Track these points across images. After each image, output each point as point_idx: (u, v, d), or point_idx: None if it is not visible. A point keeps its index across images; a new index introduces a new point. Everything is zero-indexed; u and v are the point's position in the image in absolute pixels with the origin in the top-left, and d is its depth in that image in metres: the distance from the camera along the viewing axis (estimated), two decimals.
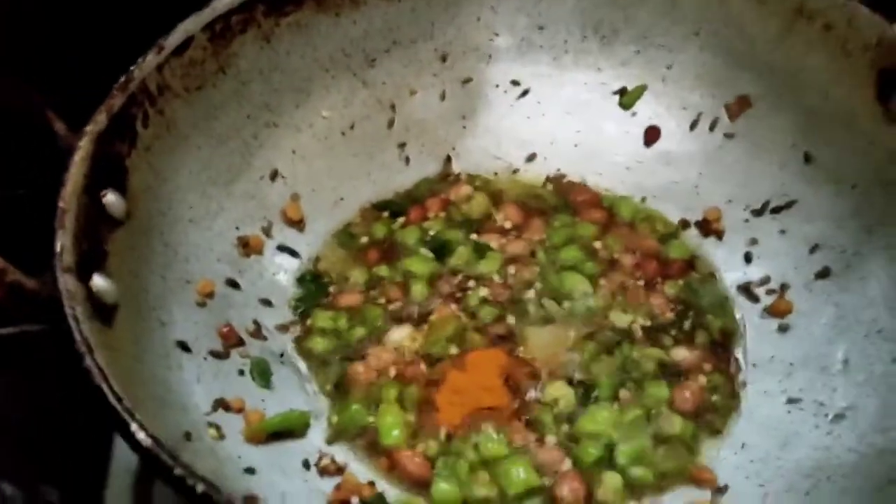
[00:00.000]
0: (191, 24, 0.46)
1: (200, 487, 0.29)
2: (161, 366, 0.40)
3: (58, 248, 0.35)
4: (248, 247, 0.48)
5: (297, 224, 0.51)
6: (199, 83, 0.47)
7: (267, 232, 0.50)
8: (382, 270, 0.50)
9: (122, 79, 0.43)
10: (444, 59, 0.55)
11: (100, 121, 0.41)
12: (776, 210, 0.51)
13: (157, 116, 0.45)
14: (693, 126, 0.54)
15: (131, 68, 0.43)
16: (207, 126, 0.48)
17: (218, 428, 0.40)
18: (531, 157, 0.55)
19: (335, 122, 0.53)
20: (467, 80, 0.56)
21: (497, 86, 0.56)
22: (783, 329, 0.48)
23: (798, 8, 0.49)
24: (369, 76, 0.54)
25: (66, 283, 0.34)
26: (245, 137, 0.50)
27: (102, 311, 0.37)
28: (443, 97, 0.55)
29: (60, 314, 0.34)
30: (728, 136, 0.53)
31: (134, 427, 0.31)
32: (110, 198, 0.40)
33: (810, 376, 0.46)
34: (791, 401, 0.45)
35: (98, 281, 0.37)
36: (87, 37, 0.54)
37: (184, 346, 0.42)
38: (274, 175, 0.51)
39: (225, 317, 0.45)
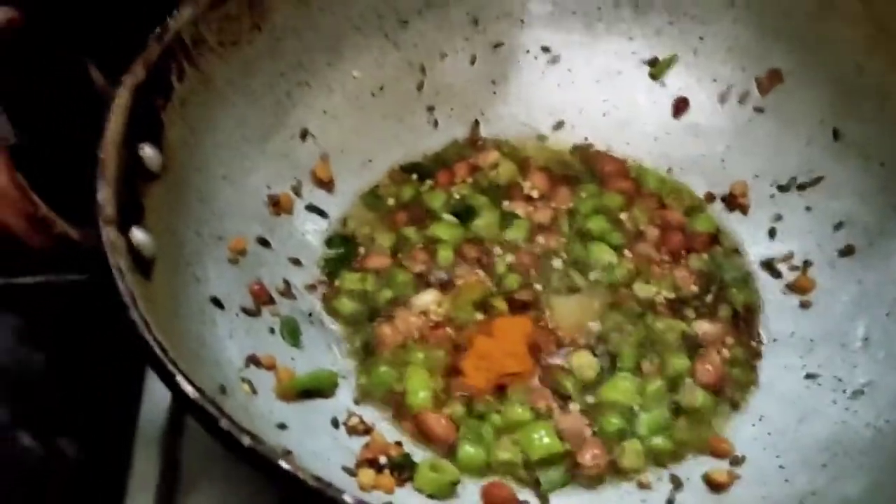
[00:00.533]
0: None
1: (246, 441, 0.30)
2: (196, 321, 0.40)
3: (99, 200, 0.36)
4: (278, 205, 0.49)
5: (326, 184, 0.51)
6: (234, 38, 0.47)
7: (297, 191, 0.50)
8: (409, 233, 0.50)
9: (158, 30, 0.43)
10: (475, 22, 0.55)
11: (137, 72, 0.41)
12: (802, 186, 0.51)
13: (192, 70, 0.44)
14: (723, 99, 0.54)
15: (167, 19, 0.43)
16: (242, 83, 0.47)
17: (250, 383, 0.40)
18: (559, 125, 0.55)
19: (366, 83, 0.53)
20: (498, 45, 0.55)
21: (528, 51, 0.56)
22: (805, 305, 0.49)
23: None
24: (401, 38, 0.53)
25: (109, 234, 0.35)
26: (278, 95, 0.50)
27: (142, 264, 0.37)
28: (473, 61, 0.55)
29: (102, 265, 0.34)
30: (757, 110, 0.53)
31: (179, 378, 0.31)
32: (147, 151, 0.40)
33: (830, 352, 0.46)
34: (810, 376, 0.46)
35: (137, 234, 0.37)
36: None
37: (217, 302, 0.42)
38: (304, 134, 0.51)
39: (256, 274, 0.45)
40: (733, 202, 0.52)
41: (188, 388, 0.31)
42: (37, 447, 0.92)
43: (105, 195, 0.36)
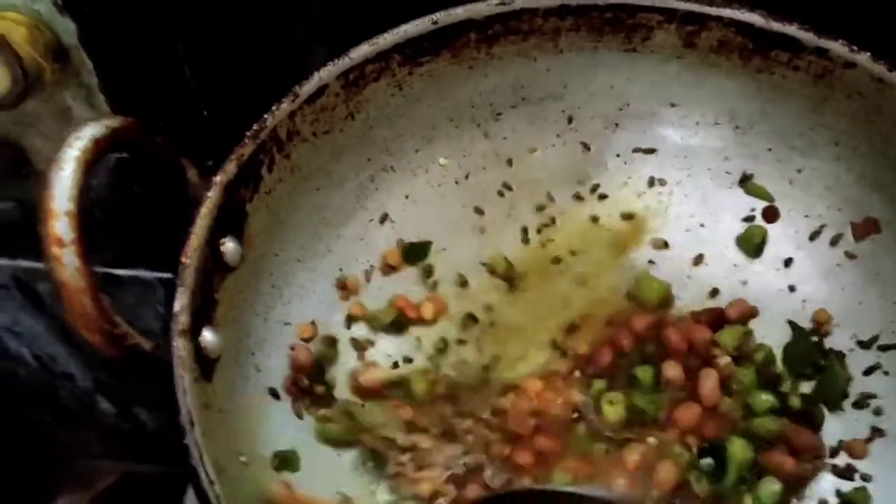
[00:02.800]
0: (326, 73, 0.46)
1: None
2: (252, 416, 0.42)
3: (176, 308, 0.38)
4: (345, 289, 0.50)
5: (395, 269, 0.52)
6: (327, 128, 0.48)
7: (367, 275, 0.51)
8: None
9: (255, 127, 0.44)
10: (570, 120, 0.54)
11: (229, 170, 0.42)
12: (884, 348, 0.49)
13: (282, 161, 0.46)
14: (813, 237, 0.52)
15: (264, 116, 0.45)
16: (328, 168, 0.49)
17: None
18: None
19: (451, 171, 0.54)
20: (588, 146, 0.55)
21: (618, 155, 0.55)
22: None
23: None
24: (492, 129, 0.54)
25: (179, 347, 0.37)
26: (362, 180, 0.51)
27: (206, 367, 0.39)
28: (562, 158, 0.55)
29: (170, 375, 0.36)
30: (849, 255, 0.51)
31: None
32: (229, 245, 0.42)
33: None
34: None
35: (206, 335, 0.39)
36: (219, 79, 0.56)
37: (274, 394, 0.44)
38: (384, 219, 0.52)
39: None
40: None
41: None
42: (113, 413, 0.98)
43: (182, 303, 0.38)
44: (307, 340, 0.47)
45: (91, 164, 0.35)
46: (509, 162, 0.55)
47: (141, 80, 0.59)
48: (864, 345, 0.50)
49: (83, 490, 0.99)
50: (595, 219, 0.55)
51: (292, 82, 0.46)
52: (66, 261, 0.33)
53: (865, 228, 0.51)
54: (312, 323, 0.48)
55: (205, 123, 0.60)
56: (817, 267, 0.52)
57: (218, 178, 0.42)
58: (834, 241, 0.52)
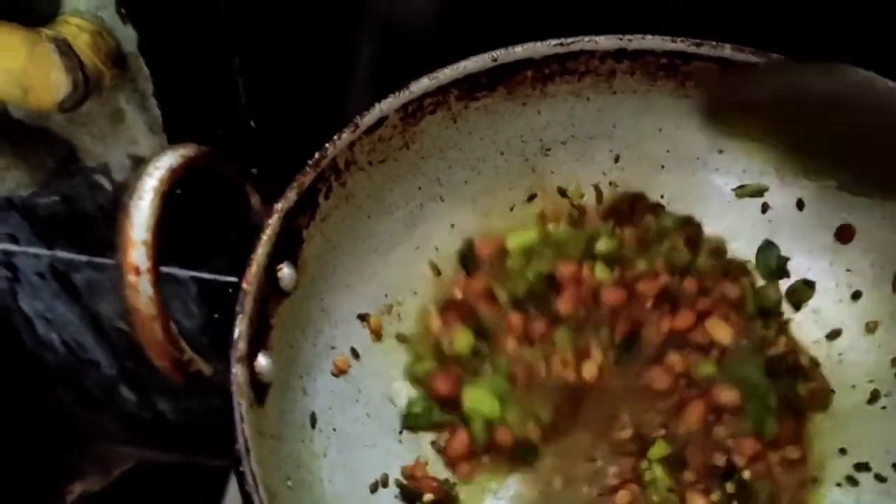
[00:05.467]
0: (386, 105, 0.47)
1: None
2: (297, 440, 0.43)
3: (235, 335, 0.39)
4: (390, 314, 0.51)
5: None
6: (382, 157, 0.49)
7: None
8: None
9: (316, 156, 0.45)
10: (616, 159, 0.55)
11: (289, 198, 0.44)
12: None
13: (339, 189, 0.47)
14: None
15: (325, 145, 0.46)
16: (381, 196, 0.50)
17: None
18: None
19: (497, 202, 0.55)
20: (633, 185, 0.56)
21: (662, 196, 0.56)
22: None
23: None
24: (540, 163, 0.55)
25: (238, 374, 0.38)
26: (412, 208, 0.52)
27: (260, 392, 0.40)
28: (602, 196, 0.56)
29: (228, 399, 0.38)
30: None
31: None
32: (285, 271, 0.43)
33: None
34: None
35: (262, 361, 0.41)
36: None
37: (314, 420, 0.45)
38: (430, 247, 0.53)
39: (357, 387, 0.48)
40: None
41: None
42: (134, 401, 1.00)
43: (241, 330, 0.39)
44: (341, 373, 0.48)
45: (167, 193, 0.36)
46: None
47: (195, 90, 0.60)
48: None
49: (102, 473, 1.01)
50: None
51: (339, 104, 0.47)
52: (141, 288, 0.34)
53: None
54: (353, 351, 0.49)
55: (252, 135, 0.61)
56: None
57: (279, 206, 0.43)
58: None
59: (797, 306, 0.54)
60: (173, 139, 0.63)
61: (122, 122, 0.63)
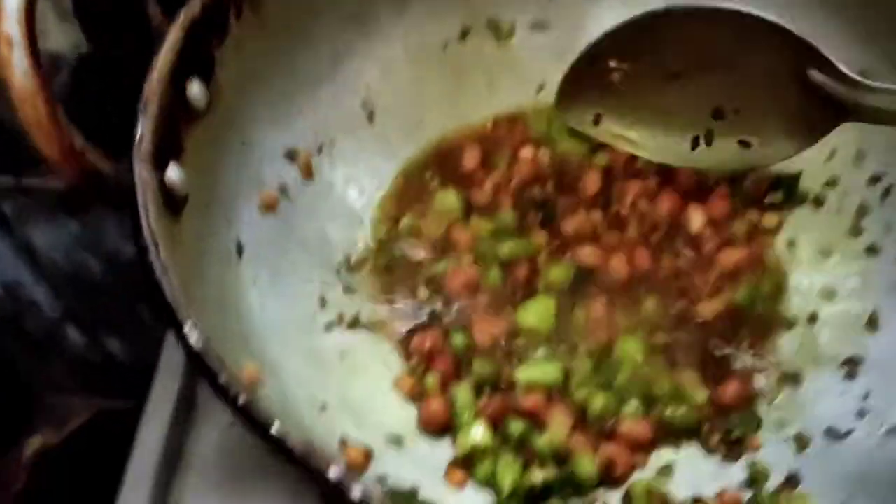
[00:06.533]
0: None
1: (242, 399, 0.30)
2: (223, 263, 0.40)
3: (137, 136, 0.36)
4: (321, 153, 0.48)
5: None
6: None
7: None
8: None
9: None
10: None
11: (193, 6, 0.40)
12: None
13: (250, 11, 0.44)
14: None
15: None
16: (301, 27, 0.47)
17: None
18: None
19: (429, 39, 0.52)
20: (571, 15, 0.53)
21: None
22: None
23: None
24: None
25: (142, 172, 0.35)
26: (336, 44, 0.49)
27: (172, 202, 0.37)
28: (543, 29, 0.53)
29: (133, 201, 0.34)
30: None
31: (187, 328, 0.31)
32: (195, 88, 0.40)
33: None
34: None
35: (172, 171, 0.37)
36: None
37: (240, 248, 0.42)
38: (359, 86, 0.50)
39: (289, 224, 0.45)
40: None
41: (193, 338, 0.31)
42: (83, 342, 0.95)
43: (143, 131, 0.36)
44: (269, 208, 0.45)
45: None
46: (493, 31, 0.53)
47: None
48: None
49: (56, 427, 0.96)
50: None
51: None
52: (16, 62, 0.31)
53: None
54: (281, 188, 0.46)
55: None
56: None
57: (182, 16, 0.40)
58: None
59: None
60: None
61: None
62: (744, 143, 0.45)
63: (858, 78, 0.39)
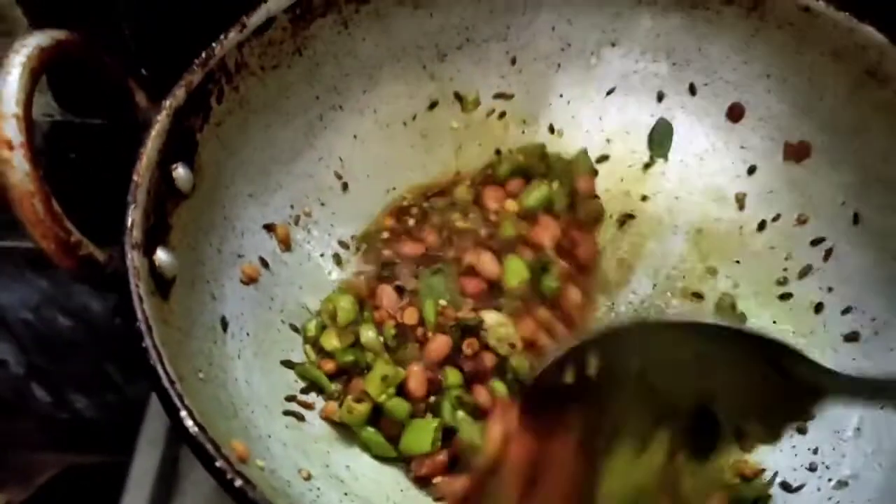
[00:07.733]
0: (273, 5, 0.46)
1: (238, 482, 0.31)
2: (208, 339, 0.42)
3: (128, 223, 0.37)
4: (298, 224, 0.50)
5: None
6: (275, 62, 0.48)
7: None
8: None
9: (203, 55, 0.44)
10: (513, 61, 0.55)
11: (178, 96, 0.42)
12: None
13: (231, 93, 0.46)
14: (751, 171, 0.54)
15: (213, 45, 0.44)
16: (277, 104, 0.49)
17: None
18: None
19: (398, 111, 0.54)
20: (532, 86, 0.56)
21: (561, 95, 0.56)
22: None
23: (872, 70, 0.49)
24: (438, 70, 0.54)
25: (134, 259, 0.36)
26: (311, 118, 0.51)
27: (162, 285, 0.39)
28: (506, 98, 0.56)
29: (126, 286, 0.36)
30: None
31: (183, 414, 0.33)
32: (180, 171, 0.42)
33: (822, 438, 0.47)
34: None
35: (161, 255, 0.39)
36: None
37: (224, 323, 0.44)
38: (332, 158, 0.52)
39: (269, 295, 0.47)
40: None
41: (188, 423, 0.32)
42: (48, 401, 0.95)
43: (134, 219, 0.37)
44: (251, 281, 0.47)
45: (37, 72, 0.34)
46: (457, 101, 0.55)
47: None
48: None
49: (23, 484, 0.95)
50: None
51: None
52: (16, 164, 0.32)
53: (797, 152, 0.53)
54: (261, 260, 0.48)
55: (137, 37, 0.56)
56: (753, 190, 0.54)
57: (168, 103, 0.41)
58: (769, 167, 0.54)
59: None
60: None
61: None
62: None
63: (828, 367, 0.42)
